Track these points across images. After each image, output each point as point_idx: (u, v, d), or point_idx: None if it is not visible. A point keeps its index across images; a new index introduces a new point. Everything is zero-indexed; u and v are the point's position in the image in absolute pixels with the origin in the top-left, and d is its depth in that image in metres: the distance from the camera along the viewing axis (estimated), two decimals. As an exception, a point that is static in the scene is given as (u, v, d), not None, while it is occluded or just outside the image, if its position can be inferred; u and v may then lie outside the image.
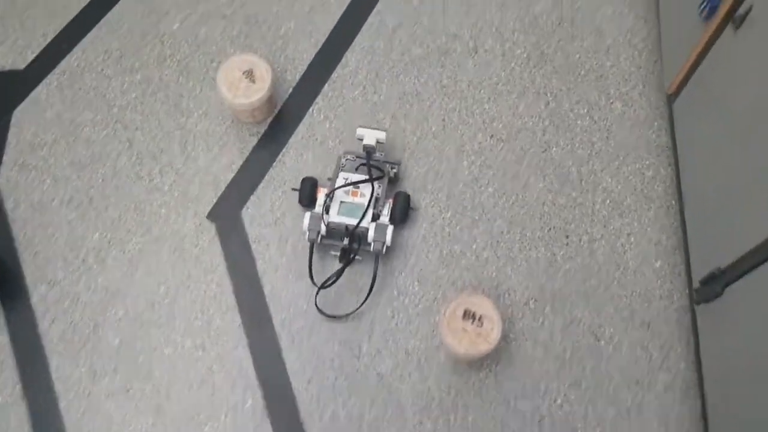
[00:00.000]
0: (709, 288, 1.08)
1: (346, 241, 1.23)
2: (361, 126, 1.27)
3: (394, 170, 1.30)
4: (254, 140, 1.34)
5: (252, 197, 1.30)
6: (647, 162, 1.32)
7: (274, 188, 1.30)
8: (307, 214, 1.23)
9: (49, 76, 1.39)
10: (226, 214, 1.29)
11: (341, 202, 1.25)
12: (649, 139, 1.34)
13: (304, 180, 1.29)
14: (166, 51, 1.41)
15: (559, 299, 1.22)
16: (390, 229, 1.23)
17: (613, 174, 1.31)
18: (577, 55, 1.40)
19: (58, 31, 1.43)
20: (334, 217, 1.24)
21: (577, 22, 1.43)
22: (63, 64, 1.40)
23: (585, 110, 1.36)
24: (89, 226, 1.27)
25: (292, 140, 1.34)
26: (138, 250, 1.26)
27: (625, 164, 1.32)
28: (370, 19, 1.44)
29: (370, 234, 1.22)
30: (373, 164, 1.27)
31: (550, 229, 1.27)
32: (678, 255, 1.25)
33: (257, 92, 1.28)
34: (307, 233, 1.23)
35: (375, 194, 1.25)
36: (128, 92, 1.38)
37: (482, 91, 1.38)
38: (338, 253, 1.25)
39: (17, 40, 1.42)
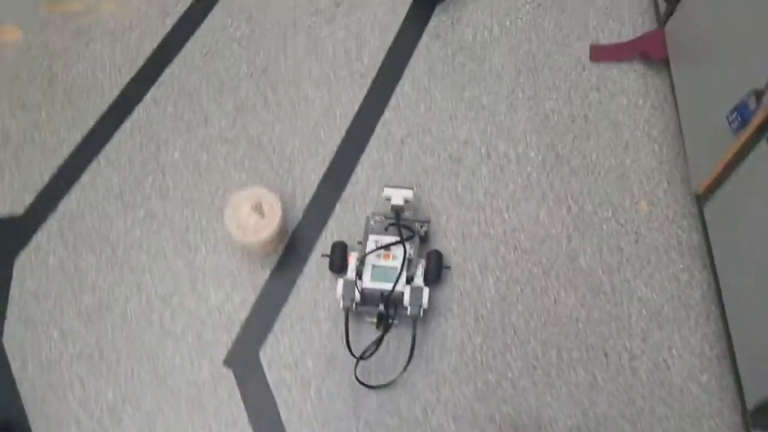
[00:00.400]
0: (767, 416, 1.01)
1: (381, 307, 1.20)
2: (387, 186, 1.27)
3: (424, 228, 1.27)
4: (267, 273, 1.28)
5: (269, 337, 1.23)
6: (681, 265, 1.26)
7: (292, 325, 1.24)
8: (340, 281, 1.21)
9: (48, 220, 1.34)
10: (244, 358, 1.22)
11: (373, 266, 1.22)
12: (681, 240, 1.28)
13: (334, 245, 1.27)
14: (168, 182, 1.36)
15: (604, 426, 1.15)
16: (426, 291, 1.21)
17: (646, 281, 1.25)
18: (594, 154, 1.35)
19: (55, 170, 1.38)
20: (368, 282, 1.21)
21: (591, 117, 1.38)
22: (62, 206, 1.35)
23: (609, 213, 1.30)
24: (101, 383, 1.21)
25: (306, 269, 1.28)
26: (155, 407, 1.19)
27: (658, 270, 1.26)
28: (377, 131, 1.39)
29: (406, 298, 1.20)
30: (403, 224, 1.26)
31: (587, 348, 1.20)
32: (724, 365, 1.18)
33: (267, 228, 1.22)
34: (342, 301, 1.21)
35: (407, 255, 1.22)
36: (132, 231, 1.32)
37: (500, 200, 1.32)
38: (374, 320, 1.22)
39: (13, 182, 1.37)
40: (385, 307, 1.19)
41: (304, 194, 1.35)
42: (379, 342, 1.20)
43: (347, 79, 1.44)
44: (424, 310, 1.20)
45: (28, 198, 1.36)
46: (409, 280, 1.22)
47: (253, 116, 1.41)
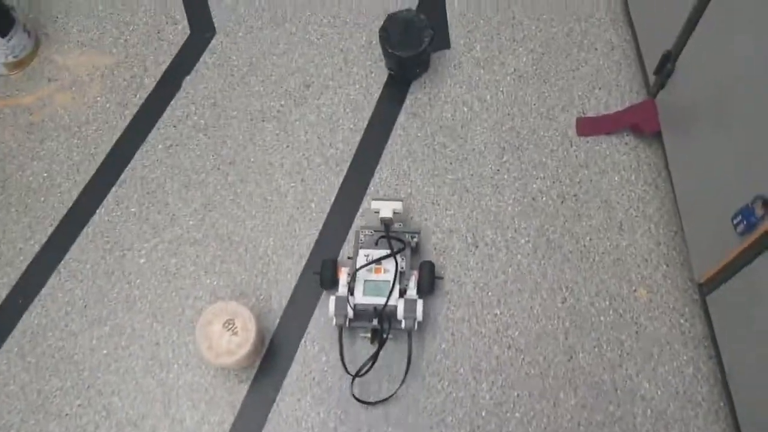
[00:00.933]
0: None
1: (374, 321, 1.18)
2: (375, 199, 1.25)
3: (415, 239, 1.26)
4: (244, 388, 1.19)
5: (251, 463, 1.15)
6: (684, 358, 1.18)
7: (274, 448, 1.16)
8: (332, 298, 1.18)
9: (8, 341, 1.25)
10: (224, 487, 1.14)
11: (365, 281, 1.20)
12: (683, 330, 1.20)
13: (324, 262, 1.24)
14: (135, 292, 1.27)
15: None
16: (420, 303, 1.18)
17: (649, 377, 1.17)
18: (588, 237, 1.27)
19: (12, 285, 1.29)
20: (360, 298, 1.18)
21: (581, 196, 1.30)
22: (21, 325, 1.25)
23: (607, 302, 1.22)
24: None
25: (286, 383, 1.19)
26: None
27: (661, 363, 1.18)
28: (356, 222, 1.31)
29: (400, 311, 1.17)
30: (393, 236, 1.23)
31: (592, 457, 1.13)
32: (738, 467, 1.11)
33: (241, 346, 1.13)
34: (335, 319, 1.18)
35: (399, 268, 1.20)
36: (98, 349, 1.23)
37: (490, 293, 1.24)
38: (368, 335, 1.21)
39: (-32, 300, 1.29)
40: (378, 321, 1.17)
41: (280, 297, 1.26)
42: (375, 358, 1.16)
43: (322, 167, 1.35)
44: (419, 323, 1.18)
45: (-15, 317, 1.28)
46: (402, 293, 1.20)
47: (222, 213, 1.33)
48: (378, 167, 1.35)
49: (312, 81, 1.42)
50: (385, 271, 1.20)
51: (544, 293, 1.23)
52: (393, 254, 1.20)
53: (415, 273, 1.22)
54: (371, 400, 1.17)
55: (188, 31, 1.48)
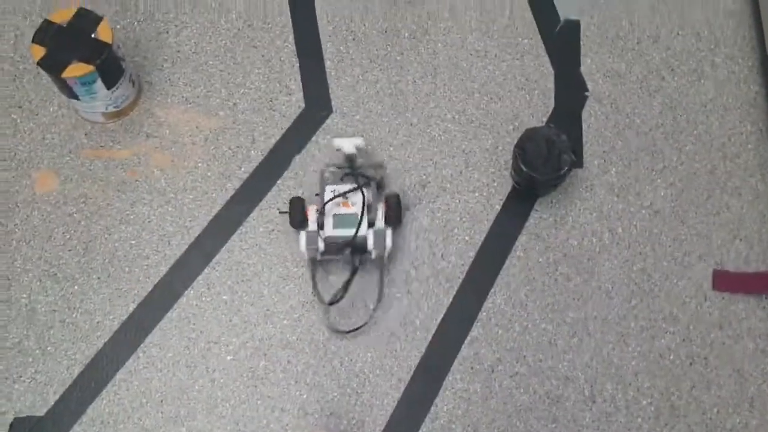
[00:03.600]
0: None
1: (347, 251, 1.22)
2: (336, 137, 1.30)
3: (380, 173, 1.30)
4: None
5: None
6: None
7: None
8: (303, 234, 1.22)
9: (74, 428, 1.15)
10: None
11: (334, 215, 1.23)
12: None
13: (292, 200, 1.25)
14: (218, 393, 1.15)
15: None
16: (389, 232, 1.23)
17: None
18: (715, 409, 1.15)
19: (86, 363, 1.19)
20: (330, 231, 1.22)
21: (711, 361, 1.18)
22: (91, 411, 1.15)
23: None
24: None
25: None
26: None
27: None
28: (463, 352, 1.19)
29: (370, 242, 1.22)
30: (358, 171, 1.27)
31: None
32: None
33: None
34: (306, 253, 1.22)
35: (366, 201, 1.24)
36: (171, 454, 1.14)
37: (604, 461, 1.14)
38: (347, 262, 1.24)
39: (36, 374, 1.18)
40: (351, 253, 1.22)
41: (374, 425, 1.16)
42: (346, 287, 1.21)
43: (430, 281, 1.25)
44: (389, 252, 1.23)
45: (53, 396, 1.17)
46: (371, 225, 1.23)
47: (320, 316, 1.23)
48: (492, 290, 1.24)
49: (429, 181, 1.32)
50: (353, 204, 1.24)
51: (664, 468, 1.13)
52: (360, 187, 1.23)
53: (382, 205, 1.25)
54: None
55: (302, 105, 1.38)
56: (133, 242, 1.27)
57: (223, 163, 1.34)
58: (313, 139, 1.35)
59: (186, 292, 1.24)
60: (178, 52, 1.42)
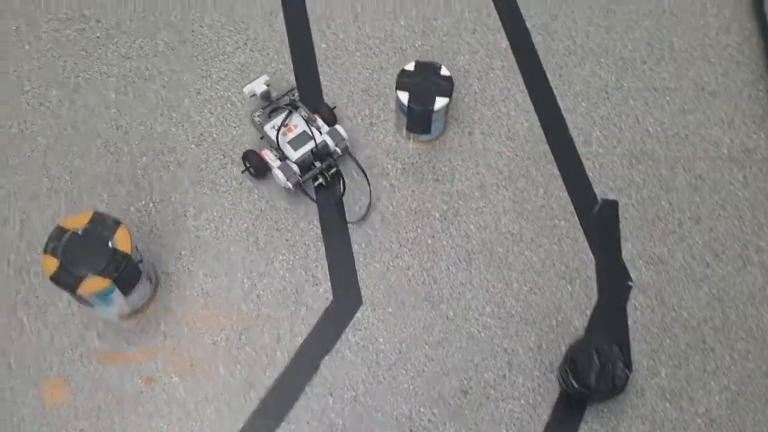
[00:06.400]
0: None
1: (317, 166, 1.37)
2: (245, 85, 1.40)
3: (294, 94, 1.44)
4: None
5: None
6: None
7: None
8: (276, 170, 1.34)
9: None
10: None
11: (288, 142, 1.36)
12: None
13: (245, 154, 1.38)
14: None
15: None
16: (339, 128, 1.38)
17: None
18: None
19: None
20: (294, 154, 1.35)
21: None
22: None
23: None
24: None
25: None
26: None
27: None
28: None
29: (330, 142, 1.37)
30: (280, 103, 1.43)
31: None
32: None
33: None
34: (289, 183, 1.33)
35: (304, 116, 1.39)
36: None
37: None
38: (321, 181, 1.38)
39: None
40: (320, 160, 1.36)
41: None
42: (342, 183, 1.37)
43: (476, 505, 1.16)
44: (348, 142, 1.38)
45: None
46: (320, 132, 1.38)
47: None
48: None
49: (470, 386, 1.23)
50: (295, 126, 1.38)
51: None
52: (291, 108, 1.39)
53: (316, 115, 1.40)
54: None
55: (330, 297, 1.30)
56: (148, 462, 1.18)
57: (247, 367, 1.24)
58: (343, 336, 1.27)
59: None
60: (197, 237, 1.34)
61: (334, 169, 1.38)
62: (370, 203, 1.36)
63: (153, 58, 1.50)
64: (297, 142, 1.36)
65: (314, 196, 1.38)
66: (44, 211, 1.35)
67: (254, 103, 1.43)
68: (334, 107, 1.44)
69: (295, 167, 1.34)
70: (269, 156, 1.36)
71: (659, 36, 1.55)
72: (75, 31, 1.52)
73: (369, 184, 1.38)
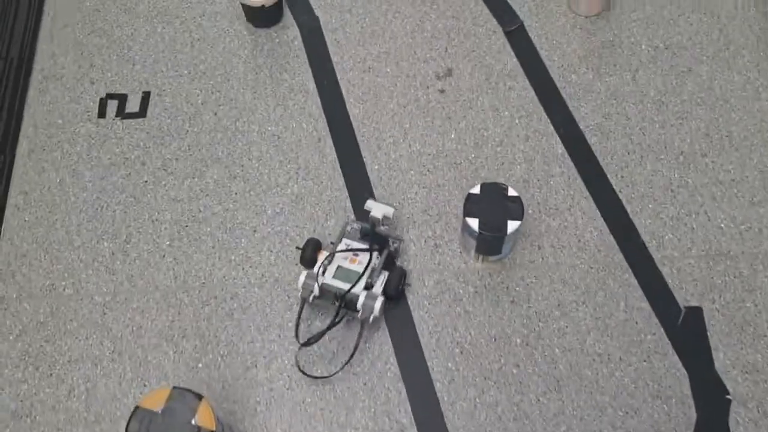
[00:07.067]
0: None
1: (336, 304, 1.28)
2: (371, 199, 1.35)
3: (395, 245, 1.35)
4: None
5: None
6: None
7: None
8: (304, 272, 1.29)
9: None
10: None
11: (338, 266, 1.30)
12: None
13: (309, 240, 1.33)
14: None
15: None
16: (380, 300, 1.27)
17: None
18: None
19: None
20: (329, 279, 1.28)
21: None
22: None
23: None
24: None
25: None
26: None
27: None
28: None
29: (360, 301, 1.26)
30: (375, 235, 1.34)
31: None
32: None
33: None
34: (301, 291, 1.28)
35: (372, 264, 1.29)
36: None
37: None
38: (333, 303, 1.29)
39: None
40: (339, 305, 1.26)
41: None
42: (321, 334, 1.26)
43: None
44: (376, 318, 1.27)
45: None
46: (368, 287, 1.28)
47: None
48: None
49: None
50: (359, 263, 1.30)
51: None
52: (371, 249, 1.30)
53: (386, 274, 1.31)
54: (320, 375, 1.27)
55: (420, 444, 1.24)
56: None
57: None
58: (437, 491, 1.21)
59: None
60: (271, 390, 1.28)
61: (338, 320, 1.27)
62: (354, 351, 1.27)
63: (204, 198, 1.47)
64: (341, 273, 1.28)
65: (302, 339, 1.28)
66: (110, 376, 1.29)
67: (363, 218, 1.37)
68: (402, 240, 1.37)
69: (316, 288, 1.26)
70: (321, 258, 1.30)
71: (716, 126, 1.53)
72: (121, 177, 1.50)
73: (349, 359, 1.26)
